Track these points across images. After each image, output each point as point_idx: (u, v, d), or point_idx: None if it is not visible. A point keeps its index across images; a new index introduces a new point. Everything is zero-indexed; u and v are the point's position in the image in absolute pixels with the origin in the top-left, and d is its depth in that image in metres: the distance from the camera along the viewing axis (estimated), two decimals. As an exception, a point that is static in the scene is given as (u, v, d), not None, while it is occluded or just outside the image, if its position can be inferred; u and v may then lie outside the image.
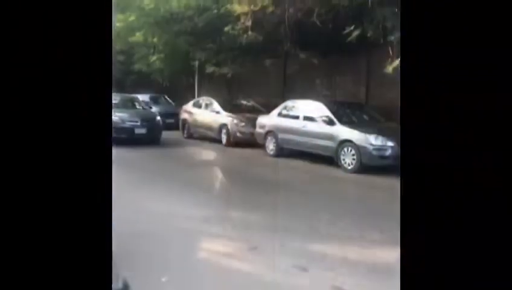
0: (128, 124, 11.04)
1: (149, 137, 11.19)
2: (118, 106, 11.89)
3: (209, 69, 12.93)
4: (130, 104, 12.59)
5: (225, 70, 12.86)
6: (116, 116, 10.98)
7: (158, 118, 11.76)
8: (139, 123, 11.14)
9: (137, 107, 12.62)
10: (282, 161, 9.28)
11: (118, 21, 13.71)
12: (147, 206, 5.18)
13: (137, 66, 15.71)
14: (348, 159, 8.11)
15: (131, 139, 10.78)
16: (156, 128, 11.50)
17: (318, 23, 10.14)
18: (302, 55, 13.20)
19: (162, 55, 14.36)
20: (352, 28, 8.94)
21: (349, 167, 8.06)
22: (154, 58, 14.49)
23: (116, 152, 9.42)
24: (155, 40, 14.04)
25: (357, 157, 7.96)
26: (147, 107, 13.28)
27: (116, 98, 12.39)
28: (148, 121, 11.38)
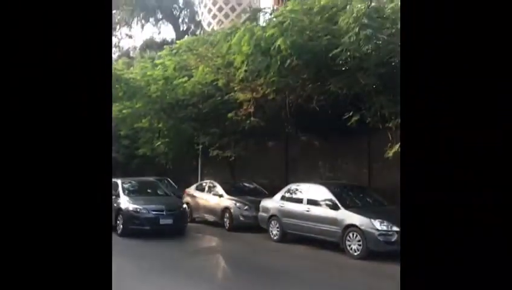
0: (152, 214, 9.95)
1: (175, 227, 10.12)
2: (139, 192, 11.14)
3: (213, 152, 13.16)
4: (151, 190, 11.65)
5: (228, 153, 13.07)
6: (140, 205, 10.11)
7: (184, 205, 10.93)
8: (164, 212, 10.03)
9: (159, 193, 11.63)
10: (286, 247, 9.07)
11: (125, 108, 14.20)
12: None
13: (141, 150, 16.00)
14: (354, 245, 7.94)
15: (155, 231, 9.80)
16: (183, 218, 10.53)
17: (317, 108, 10.53)
18: (303, 138, 13.49)
19: (166, 140, 14.69)
20: (351, 113, 9.24)
21: (355, 253, 7.87)
22: (158, 142, 14.82)
23: (124, 241, 9.09)
24: (160, 125, 14.45)
25: (362, 243, 7.80)
26: (170, 193, 12.22)
27: (135, 184, 11.66)
28: (174, 209, 10.35)
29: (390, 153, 8.49)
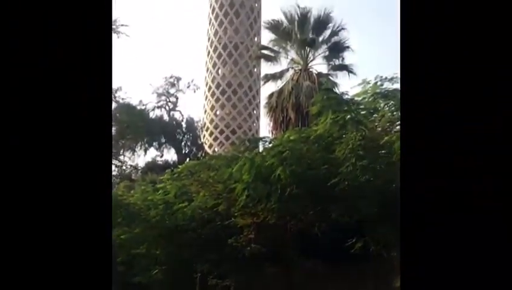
0: None
1: None
2: None
3: (212, 281, 12.58)
4: None
5: (228, 282, 12.49)
6: None
7: None
8: None
9: None
10: None
11: (123, 233, 13.96)
12: None
13: (137, 278, 15.32)
14: None
15: None
16: None
17: (319, 234, 10.35)
18: (307, 263, 12.98)
19: (163, 267, 14.17)
20: (354, 240, 9.07)
21: None
22: (156, 270, 14.27)
23: None
24: (158, 252, 14.07)
25: None
26: None
27: None
28: None
29: (399, 283, 8.11)
